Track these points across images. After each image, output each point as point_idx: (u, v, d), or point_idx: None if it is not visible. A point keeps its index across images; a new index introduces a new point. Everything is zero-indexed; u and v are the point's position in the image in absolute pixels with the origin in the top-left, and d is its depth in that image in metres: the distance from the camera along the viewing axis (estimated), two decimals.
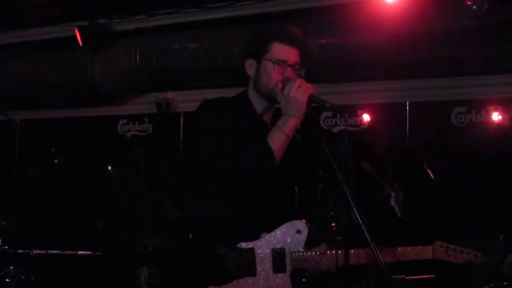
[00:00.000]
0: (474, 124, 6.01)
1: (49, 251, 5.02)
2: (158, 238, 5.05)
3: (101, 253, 5.24)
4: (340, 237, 4.91)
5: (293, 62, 2.87)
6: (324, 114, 6.36)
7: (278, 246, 2.78)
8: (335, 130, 6.36)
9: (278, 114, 2.93)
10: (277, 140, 2.78)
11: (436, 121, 6.12)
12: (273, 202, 2.86)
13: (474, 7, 4.87)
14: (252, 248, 2.76)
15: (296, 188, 3.07)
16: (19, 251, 4.93)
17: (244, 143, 2.80)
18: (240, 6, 5.87)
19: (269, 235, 2.79)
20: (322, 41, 5.60)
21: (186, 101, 6.86)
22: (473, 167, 5.75)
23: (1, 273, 4.74)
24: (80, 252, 5.17)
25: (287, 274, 2.78)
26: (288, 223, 2.81)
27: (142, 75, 6.38)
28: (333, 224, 4.07)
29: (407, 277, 4.97)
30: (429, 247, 2.95)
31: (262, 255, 2.77)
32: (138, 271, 4.94)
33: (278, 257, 2.77)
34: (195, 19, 6.13)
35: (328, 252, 2.79)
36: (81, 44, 6.22)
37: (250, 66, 2.91)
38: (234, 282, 2.72)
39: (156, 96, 6.93)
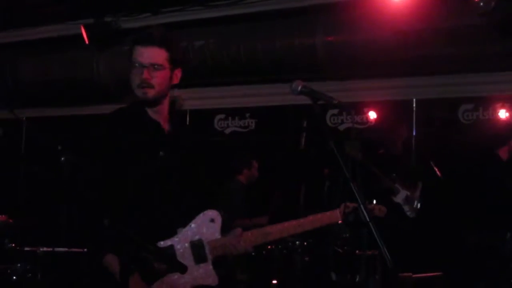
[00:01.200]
0: (482, 121, 6.03)
1: (56, 249, 5.04)
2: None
3: None
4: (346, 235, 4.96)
5: (148, 63, 2.83)
6: (330, 112, 6.37)
7: (196, 238, 2.84)
8: (341, 127, 6.37)
9: (173, 117, 2.98)
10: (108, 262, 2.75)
11: (443, 118, 6.13)
12: (180, 198, 2.88)
13: (481, 3, 4.86)
14: (171, 245, 2.80)
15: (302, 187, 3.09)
16: (26, 248, 4.95)
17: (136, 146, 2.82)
18: (246, 4, 5.87)
19: (184, 229, 2.83)
20: (329, 38, 5.61)
21: (192, 98, 6.84)
22: (480, 164, 5.73)
23: (8, 271, 4.75)
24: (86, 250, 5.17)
25: (209, 263, 2.84)
26: (201, 215, 2.86)
27: None
28: (340, 222, 4.10)
29: (414, 275, 4.98)
30: (337, 211, 3.05)
31: (181, 250, 2.81)
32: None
33: (197, 249, 2.83)
34: (200, 17, 6.13)
35: (243, 234, 2.88)
36: (87, 42, 6.23)
37: None
38: (159, 281, 2.74)
39: None
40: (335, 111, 6.38)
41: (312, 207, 4.45)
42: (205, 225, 2.85)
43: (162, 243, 2.79)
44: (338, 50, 5.62)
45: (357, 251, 5.03)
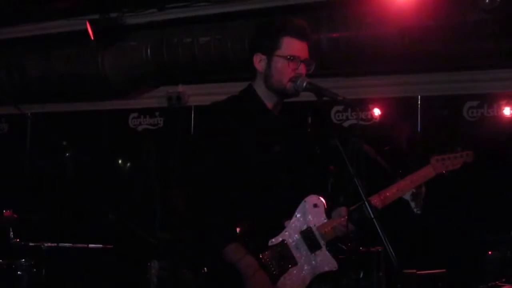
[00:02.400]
0: (486, 118, 5.98)
1: (60, 244, 5.04)
2: (168, 231, 5.07)
3: (112, 246, 5.26)
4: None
5: (304, 58, 2.85)
6: (335, 108, 6.34)
7: (304, 227, 2.81)
8: (346, 124, 6.36)
9: (287, 108, 2.95)
10: (230, 256, 2.68)
11: (448, 115, 6.09)
12: (286, 190, 2.85)
13: (487, 0, 4.83)
14: (283, 240, 2.78)
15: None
16: (30, 244, 4.96)
17: (260, 136, 2.80)
18: (251, 0, 5.85)
19: (291, 221, 2.81)
20: (334, 35, 5.57)
21: (197, 94, 6.85)
22: (485, 162, 5.70)
23: (13, 266, 4.75)
24: (91, 245, 5.20)
25: (324, 249, 2.81)
26: (302, 203, 2.82)
27: (153, 68, 6.37)
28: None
29: (418, 271, 4.97)
30: (429, 166, 3.02)
31: (294, 242, 2.79)
32: (149, 264, 4.94)
33: (309, 237, 2.80)
34: (206, 13, 6.11)
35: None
36: (92, 38, 6.22)
37: (259, 61, 2.88)
38: (281, 279, 2.73)
39: (167, 90, 6.93)
40: (340, 107, 6.35)
41: None
42: (310, 212, 2.82)
43: (273, 240, 2.77)
44: (343, 46, 5.58)
45: (361, 248, 5.02)
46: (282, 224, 2.80)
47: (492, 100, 5.98)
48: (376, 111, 6.22)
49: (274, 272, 2.71)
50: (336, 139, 2.67)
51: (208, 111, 2.88)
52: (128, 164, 6.80)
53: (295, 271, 2.75)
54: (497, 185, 5.69)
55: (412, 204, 5.30)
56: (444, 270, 5.12)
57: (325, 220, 2.82)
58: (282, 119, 2.93)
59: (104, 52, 6.44)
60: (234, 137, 2.79)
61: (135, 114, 7.20)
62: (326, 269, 2.79)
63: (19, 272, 4.76)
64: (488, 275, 4.90)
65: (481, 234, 5.46)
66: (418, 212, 5.25)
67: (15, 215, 4.82)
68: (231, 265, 2.66)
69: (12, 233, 4.83)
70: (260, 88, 2.90)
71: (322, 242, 2.80)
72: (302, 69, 2.83)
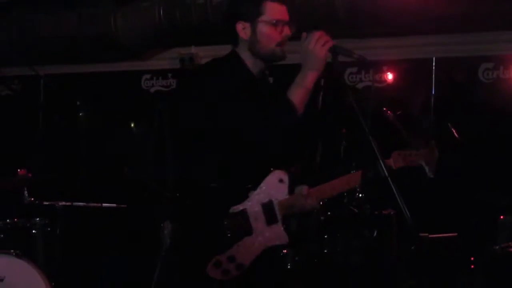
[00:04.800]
0: (502, 80, 5.89)
1: (75, 203, 5.08)
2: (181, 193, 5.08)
3: (125, 206, 5.29)
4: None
5: (286, 20, 2.87)
6: (348, 70, 6.27)
7: (266, 200, 2.86)
8: (360, 86, 6.31)
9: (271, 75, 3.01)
10: (297, 95, 2.80)
11: (463, 77, 6.01)
12: (261, 162, 2.89)
13: None
14: (244, 209, 2.84)
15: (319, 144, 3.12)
16: (45, 203, 4.99)
17: (247, 102, 2.82)
18: None
19: (256, 192, 2.86)
20: None
21: (209, 56, 6.61)
22: (500, 125, 5.67)
23: (28, 225, 4.81)
24: (104, 205, 5.22)
25: (279, 223, 2.87)
26: (269, 176, 2.88)
27: (165, 30, 6.32)
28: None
29: (430, 235, 4.99)
30: (389, 160, 3.02)
31: (254, 213, 2.85)
32: (162, 225, 4.97)
33: (268, 210, 2.86)
34: None
35: (309, 191, 2.92)
36: None
37: (243, 28, 2.87)
38: (235, 246, 2.80)
39: (180, 51, 6.87)
40: (354, 69, 6.28)
41: (328, 167, 4.44)
42: (274, 186, 2.88)
43: (235, 208, 2.83)
44: (358, 7, 5.50)
45: (372, 211, 5.03)
46: (247, 193, 2.85)
47: (508, 61, 5.88)
48: (391, 73, 6.17)
49: (229, 240, 2.78)
50: (351, 98, 2.66)
51: (193, 74, 2.99)
52: (141, 125, 6.80)
53: (249, 240, 2.82)
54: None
55: (426, 168, 5.28)
56: (455, 234, 5.14)
57: (287, 196, 2.87)
58: (267, 84, 2.99)
59: (116, 13, 6.38)
60: (221, 99, 2.79)
61: (148, 76, 7.17)
62: (277, 242, 2.87)
63: (33, 231, 4.80)
64: (500, 239, 4.91)
65: (493, 198, 5.45)
66: (431, 176, 5.24)
67: (29, 174, 4.84)
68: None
69: (26, 192, 4.86)
70: (244, 55, 2.90)
71: (279, 217, 2.86)
72: (286, 31, 2.85)
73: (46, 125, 6.38)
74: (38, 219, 4.85)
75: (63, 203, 5.02)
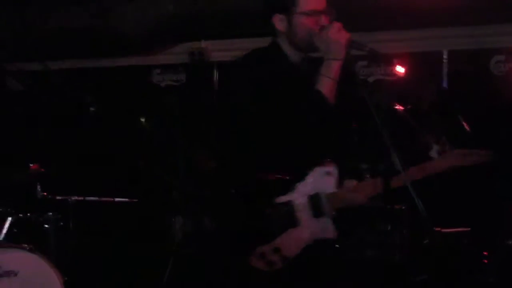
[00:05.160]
0: None
1: (87, 198, 5.09)
2: (192, 188, 5.10)
3: (137, 200, 5.33)
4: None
5: (323, 8, 2.83)
6: (359, 63, 6.23)
7: (313, 192, 2.82)
8: (371, 79, 6.29)
9: (314, 64, 2.92)
10: (325, 86, 2.76)
11: (474, 70, 5.99)
12: (308, 153, 2.86)
13: None
14: (290, 201, 2.79)
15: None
16: (57, 197, 5.01)
17: (290, 93, 2.79)
18: None
19: (301, 184, 2.82)
20: None
21: (219, 50, 6.78)
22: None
23: (40, 219, 4.83)
24: (117, 199, 5.26)
25: (327, 216, 2.83)
26: (317, 168, 2.84)
27: (175, 23, 6.32)
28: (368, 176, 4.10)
29: (443, 230, 4.97)
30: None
31: (300, 204, 2.80)
32: (173, 219, 4.98)
33: (315, 203, 2.81)
34: None
35: (359, 186, 2.88)
36: None
37: (280, 21, 2.86)
38: (280, 238, 2.76)
39: (190, 45, 6.87)
40: (365, 62, 6.25)
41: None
42: (322, 179, 2.84)
43: (281, 199, 2.80)
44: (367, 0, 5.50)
45: (385, 205, 5.01)
46: (293, 185, 2.82)
47: None
48: (402, 66, 6.10)
49: (275, 229, 2.75)
50: (364, 91, 2.68)
51: (237, 65, 2.90)
52: (151, 120, 6.81)
53: (295, 232, 2.78)
54: None
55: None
56: (468, 228, 5.12)
57: (335, 190, 2.84)
58: (309, 74, 2.90)
59: (125, 7, 6.37)
60: (266, 90, 2.78)
61: (158, 70, 7.17)
62: (325, 236, 2.83)
63: (46, 226, 4.82)
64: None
65: (506, 191, 5.42)
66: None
67: (42, 169, 4.86)
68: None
69: (39, 187, 4.88)
70: (285, 45, 2.89)
71: (326, 210, 2.81)
72: (324, 20, 2.81)
73: (57, 120, 6.41)
74: (50, 213, 4.86)
75: (76, 197, 5.04)
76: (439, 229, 4.92)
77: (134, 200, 5.31)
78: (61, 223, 4.92)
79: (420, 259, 5.02)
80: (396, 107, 4.84)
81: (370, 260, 4.99)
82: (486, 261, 4.84)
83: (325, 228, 2.84)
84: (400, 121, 4.87)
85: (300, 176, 2.83)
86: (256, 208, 2.75)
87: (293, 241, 2.77)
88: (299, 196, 2.80)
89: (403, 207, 5.03)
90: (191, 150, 5.83)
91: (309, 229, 2.80)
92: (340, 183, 2.88)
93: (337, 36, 2.74)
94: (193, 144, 6.05)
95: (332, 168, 2.85)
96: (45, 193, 4.91)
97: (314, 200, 2.81)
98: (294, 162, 2.82)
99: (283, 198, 2.79)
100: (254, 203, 2.75)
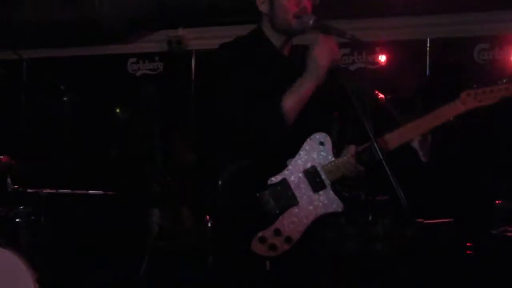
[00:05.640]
0: (497, 61, 5.84)
1: (60, 191, 4.99)
2: (170, 180, 5.04)
3: (112, 193, 5.21)
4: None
5: None
6: (341, 51, 6.13)
7: (308, 165, 2.71)
8: (352, 67, 6.25)
9: (296, 50, 2.88)
10: (290, 102, 2.67)
11: (458, 58, 5.96)
12: (294, 133, 2.75)
13: None
14: (284, 179, 2.69)
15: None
16: (29, 190, 4.88)
17: (270, 78, 2.74)
18: None
19: (294, 159, 2.71)
20: None
21: (197, 38, 6.71)
22: (496, 107, 5.62)
23: (11, 213, 4.70)
24: (91, 192, 5.14)
25: (328, 189, 2.71)
26: (308, 140, 2.72)
27: (152, 11, 6.25)
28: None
29: (425, 221, 4.96)
30: (457, 100, 2.78)
31: (296, 181, 2.70)
32: (149, 212, 4.92)
33: (313, 176, 2.71)
34: None
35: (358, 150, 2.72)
36: None
37: (262, 2, 2.81)
38: (280, 218, 2.66)
39: (167, 33, 6.80)
40: (347, 50, 6.21)
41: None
42: (315, 150, 2.71)
43: (273, 179, 2.69)
44: None
45: (366, 196, 5.02)
46: (285, 163, 2.72)
47: (503, 42, 5.82)
48: (384, 55, 6.12)
49: (272, 211, 2.65)
50: (344, 79, 2.62)
51: (217, 52, 2.81)
52: (127, 110, 6.76)
53: (296, 210, 2.67)
54: (507, 130, 5.64)
55: (420, 153, 5.27)
56: (451, 219, 5.12)
57: (332, 159, 2.70)
58: (291, 60, 2.85)
59: None
60: (247, 76, 2.71)
61: (134, 59, 7.09)
62: (330, 210, 2.70)
63: (17, 220, 4.71)
64: (496, 224, 4.89)
65: (488, 181, 5.43)
66: (425, 160, 5.22)
67: (13, 161, 4.76)
68: (299, 101, 2.66)
69: (10, 179, 4.77)
70: (267, 30, 2.83)
71: (327, 182, 2.69)
72: (305, 2, 2.76)
73: (29, 110, 6.33)
74: (22, 207, 4.74)
75: (48, 190, 4.92)
76: (421, 220, 4.90)
77: (109, 192, 5.18)
78: (33, 217, 4.79)
79: (402, 251, 5.01)
80: (378, 96, 4.92)
81: (350, 253, 4.96)
82: (469, 252, 4.82)
83: (329, 201, 2.71)
84: (382, 110, 4.94)
85: (292, 150, 2.72)
86: (247, 194, 2.65)
87: (295, 220, 2.67)
88: (292, 172, 2.70)
89: (385, 198, 5.04)
90: (169, 141, 5.78)
91: (311, 205, 2.69)
92: (338, 151, 2.74)
93: (323, 59, 2.68)
94: (171, 135, 6.01)
95: (325, 137, 2.72)
96: (16, 186, 4.79)
97: (311, 174, 2.70)
98: (279, 145, 2.71)
99: (275, 178, 2.69)
100: (243, 190, 2.66)
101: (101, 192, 5.17)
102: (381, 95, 4.94)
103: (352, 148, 2.72)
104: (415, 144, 5.07)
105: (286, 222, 2.66)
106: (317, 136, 2.73)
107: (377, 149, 2.49)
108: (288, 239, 2.65)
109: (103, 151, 5.45)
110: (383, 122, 4.82)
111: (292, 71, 2.78)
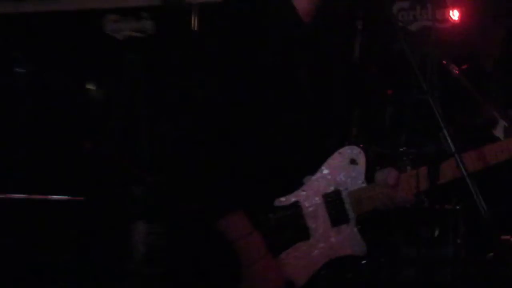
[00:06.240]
0: None
1: (9, 196, 5.05)
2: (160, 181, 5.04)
3: (82, 198, 5.27)
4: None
5: None
6: (398, 5, 6.23)
7: (330, 189, 2.74)
8: (413, 27, 6.23)
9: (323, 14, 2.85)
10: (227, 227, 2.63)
11: None
12: (317, 136, 2.80)
13: None
14: (296, 202, 2.72)
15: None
16: None
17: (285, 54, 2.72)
18: None
19: (314, 177, 2.74)
20: None
21: None
22: None
23: None
24: (53, 197, 5.21)
25: (352, 224, 2.74)
26: (335, 154, 2.75)
27: None
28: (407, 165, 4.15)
29: None
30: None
31: (311, 207, 2.72)
32: (133, 226, 4.93)
33: (335, 204, 2.73)
34: None
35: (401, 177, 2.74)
36: None
37: None
38: (283, 255, 2.69)
39: None
40: (405, 4, 6.21)
41: (369, 141, 4.40)
42: (343, 169, 2.76)
43: (283, 200, 2.71)
44: None
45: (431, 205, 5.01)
46: (300, 180, 2.74)
47: None
48: (456, 10, 6.09)
49: (275, 244, 2.67)
50: (402, 41, 2.55)
51: (218, 11, 2.81)
52: (104, 86, 6.80)
53: (304, 248, 2.71)
54: None
55: None
56: None
57: (363, 185, 2.75)
58: (317, 28, 2.83)
59: None
60: (251, 52, 2.67)
61: (114, 17, 7.08)
62: (349, 252, 2.74)
63: None
64: None
65: None
66: None
67: None
68: (227, 240, 2.62)
69: None
70: None
71: (351, 215, 2.74)
72: None
73: None
74: None
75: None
76: (509, 237, 4.85)
77: (78, 198, 5.25)
78: None
79: (479, 281, 5.00)
80: (449, 66, 5.00)
81: (409, 282, 4.94)
82: None
83: (349, 241, 2.75)
84: (454, 86, 4.96)
85: (311, 165, 2.75)
86: (247, 214, 2.65)
87: (302, 260, 2.70)
88: (309, 195, 2.73)
89: (457, 208, 5.04)
90: (160, 129, 5.79)
91: (326, 242, 2.72)
92: (370, 174, 2.78)
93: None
94: (162, 120, 6.02)
95: (358, 154, 2.76)
96: None
97: (333, 201, 2.74)
98: (297, 147, 2.74)
99: (286, 199, 2.71)
100: (244, 208, 2.64)
101: (66, 197, 5.21)
102: (452, 65, 5.03)
103: (393, 175, 2.72)
104: (500, 132, 5.16)
105: (291, 261, 2.69)
106: (349, 151, 2.76)
107: (450, 140, 2.44)
108: (289, 284, 2.69)
109: (70, 141, 5.46)
110: (456, 104, 4.83)
111: (315, 44, 2.79)
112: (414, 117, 2.85)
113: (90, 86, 6.22)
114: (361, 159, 2.76)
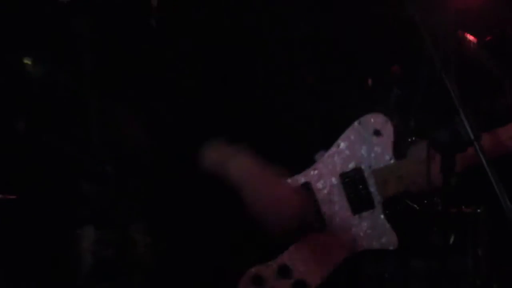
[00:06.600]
0: None
1: None
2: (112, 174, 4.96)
3: (14, 196, 5.27)
4: None
5: None
6: None
7: (349, 166, 2.72)
8: None
9: None
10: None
11: None
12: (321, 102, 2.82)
13: None
14: (307, 183, 2.71)
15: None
16: None
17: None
18: None
19: (328, 153, 2.75)
20: None
21: None
22: None
23: None
24: None
25: (378, 210, 2.73)
26: (355, 124, 2.75)
27: None
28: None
29: None
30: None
31: (326, 190, 2.67)
32: (78, 232, 4.83)
33: (355, 186, 2.73)
34: None
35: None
36: None
37: None
38: (290, 248, 2.66)
39: None
40: None
41: None
42: (365, 142, 2.72)
43: (289, 181, 2.71)
44: None
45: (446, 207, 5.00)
46: (311, 157, 2.75)
47: None
48: None
49: (278, 238, 2.68)
50: (411, 7, 2.62)
51: None
52: (42, 60, 6.74)
53: (317, 240, 2.70)
54: None
55: None
56: None
57: (392, 161, 2.70)
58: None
59: None
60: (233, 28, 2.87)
61: None
62: (376, 246, 2.72)
63: None
64: None
65: None
66: None
67: None
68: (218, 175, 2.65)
69: None
70: None
71: (377, 198, 2.75)
72: None
73: None
74: None
75: None
76: None
77: (10, 196, 5.25)
78: None
79: None
80: (467, 38, 5.09)
81: None
82: None
83: (376, 231, 2.73)
84: (473, 62, 5.07)
85: (324, 138, 2.79)
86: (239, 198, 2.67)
87: (313, 256, 2.67)
88: (323, 174, 2.72)
89: (478, 210, 5.05)
90: (111, 112, 5.73)
91: (345, 233, 2.70)
92: (400, 148, 2.74)
93: None
94: (115, 102, 5.96)
95: (384, 122, 2.78)
96: None
97: (353, 182, 2.74)
98: (305, 116, 2.79)
99: (293, 180, 2.71)
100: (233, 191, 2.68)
101: None
102: (470, 37, 5.11)
103: (422, 147, 2.62)
104: None
105: (301, 257, 2.66)
106: (372, 120, 2.75)
107: (469, 126, 2.46)
108: (300, 285, 2.60)
109: (2, 125, 5.41)
110: (475, 82, 4.85)
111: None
112: (425, 98, 2.87)
113: (27, 61, 6.15)
114: (387, 130, 2.75)
